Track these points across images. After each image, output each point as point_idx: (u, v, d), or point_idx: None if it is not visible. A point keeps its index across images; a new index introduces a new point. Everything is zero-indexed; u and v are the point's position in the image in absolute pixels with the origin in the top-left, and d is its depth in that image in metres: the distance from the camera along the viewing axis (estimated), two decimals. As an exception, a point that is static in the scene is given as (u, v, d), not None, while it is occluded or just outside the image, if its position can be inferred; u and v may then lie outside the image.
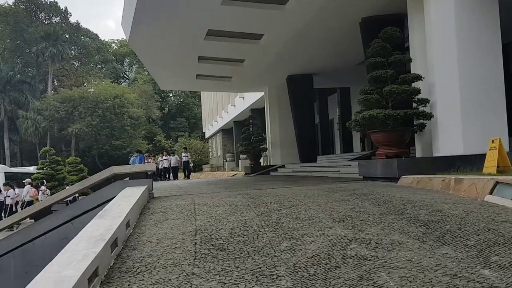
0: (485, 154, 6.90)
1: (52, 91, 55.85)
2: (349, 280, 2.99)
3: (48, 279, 2.84)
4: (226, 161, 38.05)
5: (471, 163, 7.58)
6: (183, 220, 4.99)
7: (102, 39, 69.83)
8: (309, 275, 3.12)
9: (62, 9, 59.83)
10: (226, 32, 13.77)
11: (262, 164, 21.65)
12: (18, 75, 55.89)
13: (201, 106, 55.91)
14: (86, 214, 6.72)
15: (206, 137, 51.39)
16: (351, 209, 5.15)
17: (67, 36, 58.53)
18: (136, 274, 3.30)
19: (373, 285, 2.90)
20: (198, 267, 3.37)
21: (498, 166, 6.53)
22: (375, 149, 12.40)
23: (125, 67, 74.43)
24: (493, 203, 5.15)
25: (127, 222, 4.50)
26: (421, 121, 8.72)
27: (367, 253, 3.50)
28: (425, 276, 3.01)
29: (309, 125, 18.97)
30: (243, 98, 29.54)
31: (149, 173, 7.45)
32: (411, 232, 4.08)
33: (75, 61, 63.14)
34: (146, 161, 20.86)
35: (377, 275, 3.05)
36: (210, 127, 46.39)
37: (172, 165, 22.40)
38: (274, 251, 3.70)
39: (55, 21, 59.77)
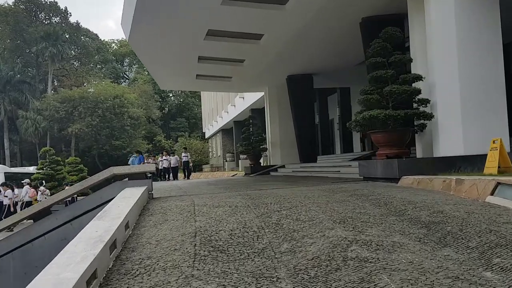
0: (486, 155, 6.88)
1: (52, 91, 55.82)
2: (350, 283, 2.97)
3: (47, 281, 2.82)
4: (226, 161, 38.03)
5: (472, 163, 7.56)
6: (182, 221, 4.96)
7: (102, 39, 69.90)
8: (310, 277, 3.10)
9: (62, 9, 59.81)
10: (226, 32, 13.75)
11: (262, 164, 21.62)
12: (18, 75, 55.85)
13: (201, 106, 55.89)
14: (86, 214, 6.70)
15: (206, 137, 51.38)
16: (351, 210, 5.13)
17: (67, 36, 58.49)
18: (135, 276, 3.27)
19: (374, 288, 2.87)
20: (197, 269, 3.34)
21: (499, 167, 6.51)
22: (375, 149, 12.38)
23: (125, 67, 74.40)
24: (495, 204, 5.12)
25: (126, 223, 4.47)
26: (422, 121, 8.70)
27: (368, 255, 3.47)
28: (426, 278, 2.99)
29: (309, 125, 18.94)
30: (243, 98, 29.51)
31: (149, 174, 7.43)
32: (412, 233, 4.06)
33: (75, 61, 63.10)
34: (146, 161, 20.84)
35: (378, 278, 3.02)
36: (210, 127, 46.37)
37: (172, 165, 22.37)
38: (274, 252, 3.68)
39: (55, 21, 59.73)
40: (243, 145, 21.07)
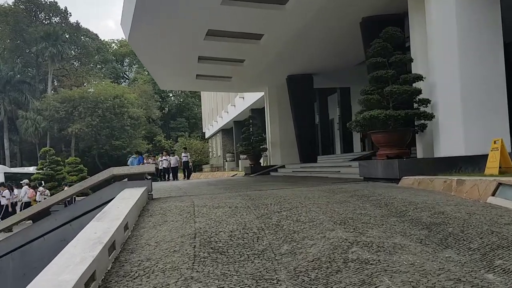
0: (487, 155, 6.86)
1: (52, 91, 55.78)
2: (351, 285, 2.94)
3: (45, 283, 2.80)
4: (226, 161, 38.01)
5: (473, 164, 7.53)
6: (182, 222, 4.93)
7: (102, 39, 69.85)
8: (310, 280, 3.07)
9: (62, 9, 59.77)
10: (226, 32, 13.72)
11: (262, 165, 21.59)
12: (18, 75, 55.82)
13: (201, 106, 55.87)
14: (85, 215, 6.66)
15: (206, 137, 51.36)
16: (352, 211, 5.10)
17: (67, 36, 58.46)
18: (134, 279, 3.25)
19: (375, 290, 2.85)
20: (197, 271, 3.31)
21: (500, 167, 6.48)
22: (375, 149, 12.35)
23: (125, 67, 74.38)
24: (496, 205, 5.10)
25: (125, 225, 4.44)
26: (422, 121, 8.67)
27: (369, 256, 3.45)
28: (428, 280, 2.96)
29: (309, 125, 18.91)
30: (243, 98, 29.49)
31: (149, 174, 7.40)
32: (413, 235, 4.03)
33: (75, 61, 63.06)
34: (146, 161, 20.80)
35: (379, 280, 3.00)
36: (210, 127, 46.35)
37: (172, 166, 22.34)
38: (275, 254, 3.65)
39: (55, 21, 59.70)
40: (243, 145, 21.04)
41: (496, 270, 3.14)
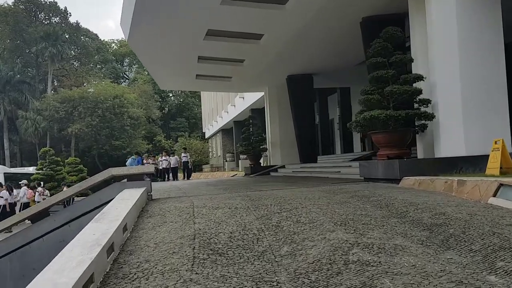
0: (488, 155, 6.83)
1: (52, 91, 55.75)
2: (352, 287, 2.91)
3: (42, 286, 2.77)
4: (226, 161, 37.98)
5: (474, 164, 7.51)
6: (181, 223, 4.90)
7: (102, 39, 69.83)
8: (310, 282, 3.04)
9: (61, 9, 59.74)
10: (226, 32, 13.69)
11: (262, 165, 21.56)
12: (18, 75, 55.79)
13: (201, 106, 55.85)
14: (84, 216, 6.63)
15: (206, 137, 51.33)
16: (352, 212, 5.07)
17: (67, 36, 58.41)
18: (133, 281, 3.22)
19: (376, 293, 2.82)
20: (196, 273, 3.28)
21: (501, 168, 6.46)
22: (375, 149, 12.33)
23: (125, 67, 74.34)
24: (497, 206, 5.07)
25: (124, 226, 4.41)
26: (423, 121, 8.64)
27: (369, 258, 3.42)
28: (429, 282, 2.93)
29: (309, 125, 18.88)
30: (243, 98, 29.46)
31: (148, 175, 7.36)
32: (414, 236, 4.00)
33: (75, 61, 63.03)
34: (146, 162, 20.76)
35: (380, 282, 2.97)
36: (210, 127, 46.32)
37: (171, 166, 22.30)
38: (274, 256, 3.62)
39: (55, 21, 59.66)
40: (243, 145, 21.01)
41: (498, 272, 3.10)
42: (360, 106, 9.30)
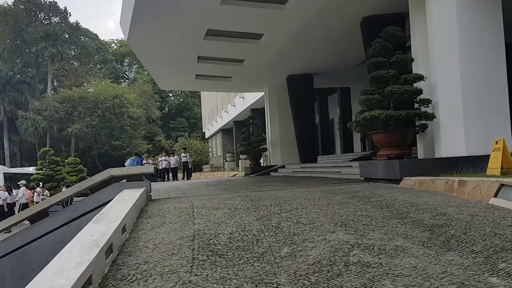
0: (488, 155, 6.81)
1: (52, 91, 55.70)
2: (352, 289, 2.88)
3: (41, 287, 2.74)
4: (226, 161, 37.95)
5: (474, 164, 7.48)
6: (181, 224, 4.88)
7: (102, 39, 69.78)
8: (311, 283, 3.01)
9: (61, 9, 59.69)
10: (225, 32, 13.66)
11: (262, 165, 21.54)
12: (18, 75, 55.75)
13: (201, 106, 55.82)
14: (83, 216, 6.61)
15: (206, 137, 51.30)
16: (353, 213, 5.04)
17: (67, 36, 58.36)
18: (131, 282, 3.19)
19: (377, 295, 2.79)
20: (195, 275, 3.25)
21: (502, 168, 6.43)
22: (375, 149, 12.30)
23: (124, 67, 74.30)
24: (498, 206, 5.04)
25: (123, 227, 4.38)
26: (423, 121, 8.61)
27: (370, 259, 3.39)
28: (430, 284, 2.91)
29: (309, 125, 18.86)
30: (243, 98, 29.43)
31: (147, 175, 7.33)
32: (415, 237, 3.97)
33: (75, 61, 62.98)
34: (146, 162, 20.69)
35: (381, 283, 2.94)
36: (210, 127, 46.30)
37: (171, 166, 22.27)
38: (274, 257, 3.59)
39: (55, 21, 59.60)
40: (243, 145, 20.98)
41: (500, 274, 3.08)
42: (360, 106, 9.27)
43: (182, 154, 23.89)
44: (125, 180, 7.07)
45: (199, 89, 35.97)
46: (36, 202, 17.96)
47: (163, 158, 22.68)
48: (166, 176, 22.24)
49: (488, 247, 3.61)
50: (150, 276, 3.28)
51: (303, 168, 17.07)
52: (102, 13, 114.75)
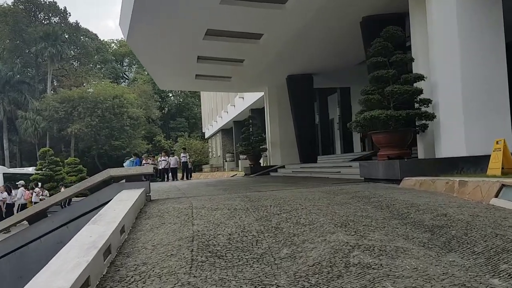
0: (489, 155, 6.78)
1: (52, 91, 55.69)
2: (353, 291, 2.86)
3: (37, 290, 2.72)
4: (226, 161, 37.92)
5: (475, 164, 7.46)
6: (180, 225, 4.85)
7: (102, 39, 69.77)
8: (311, 285, 2.98)
9: (61, 9, 59.68)
10: (225, 31, 13.64)
11: (262, 165, 21.52)
12: (17, 75, 55.75)
13: (200, 106, 55.79)
14: (82, 217, 6.58)
15: (206, 137, 51.27)
16: (353, 213, 5.01)
17: (66, 36, 58.35)
18: (130, 284, 3.16)
19: (377, 297, 2.76)
20: (194, 276, 3.22)
21: (502, 168, 6.40)
22: (375, 149, 12.27)
23: (124, 67, 74.28)
24: (499, 207, 5.01)
25: (122, 228, 4.35)
26: (424, 121, 8.59)
27: (370, 261, 3.36)
28: (432, 286, 2.88)
29: (309, 125, 18.83)
30: (243, 98, 29.41)
31: (146, 175, 7.31)
32: (416, 238, 3.94)
33: (75, 61, 62.97)
34: (145, 162, 20.65)
35: (382, 285, 2.91)
36: (209, 127, 46.27)
37: (171, 166, 22.24)
38: (274, 258, 3.56)
39: (54, 21, 59.58)
40: (243, 145, 20.96)
41: (501, 275, 3.05)
42: (360, 106, 9.24)
43: (182, 154, 23.86)
44: (124, 181, 7.04)
45: (199, 89, 35.94)
46: (35, 203, 17.94)
47: (162, 158, 22.65)
48: (166, 176, 22.21)
49: (489, 248, 3.58)
50: (148, 278, 3.25)
51: (303, 168, 17.05)
52: (102, 13, 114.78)
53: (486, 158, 6.90)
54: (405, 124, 8.58)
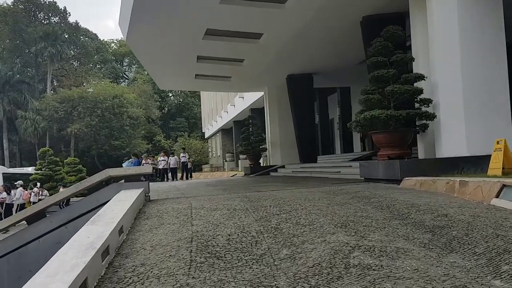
0: (490, 156, 6.75)
1: (51, 91, 55.67)
2: (353, 292, 2.83)
3: (34, 291, 2.69)
4: (225, 161, 37.89)
5: (475, 164, 7.43)
6: (179, 225, 4.81)
7: (102, 39, 69.77)
8: (310, 286, 2.95)
9: (61, 9, 59.69)
10: (225, 31, 13.60)
11: (262, 165, 21.49)
12: (17, 75, 55.73)
13: (200, 106, 55.76)
14: (81, 217, 6.55)
15: (205, 137, 51.24)
16: (353, 214, 4.98)
17: (66, 36, 58.36)
18: (128, 285, 3.13)
19: (378, 298, 2.73)
20: (193, 277, 3.19)
21: (503, 168, 6.37)
22: (375, 149, 12.25)
23: (124, 67, 74.25)
24: (500, 207, 4.98)
25: (120, 228, 4.32)
26: (424, 121, 8.56)
27: (371, 262, 3.33)
28: (433, 287, 2.85)
29: (309, 125, 18.80)
30: (243, 98, 29.38)
31: (146, 175, 7.28)
32: (417, 238, 3.91)
33: (74, 61, 62.97)
34: (145, 162, 20.59)
35: (382, 287, 2.88)
36: (209, 127, 46.24)
37: (171, 166, 22.22)
38: (273, 259, 3.53)
39: (54, 21, 59.59)
40: (243, 145, 20.93)
41: (503, 276, 3.02)
42: (360, 105, 9.21)
43: (181, 155, 23.83)
44: (123, 181, 7.01)
45: (199, 89, 35.91)
46: (33, 203, 17.91)
47: (161, 158, 22.61)
48: (166, 176, 22.18)
49: (490, 249, 3.55)
50: (147, 279, 3.22)
51: (303, 168, 17.02)
52: (102, 13, 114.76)
53: (487, 158, 6.87)
54: (405, 124, 8.55)
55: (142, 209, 6.02)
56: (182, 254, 3.73)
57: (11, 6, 55.72)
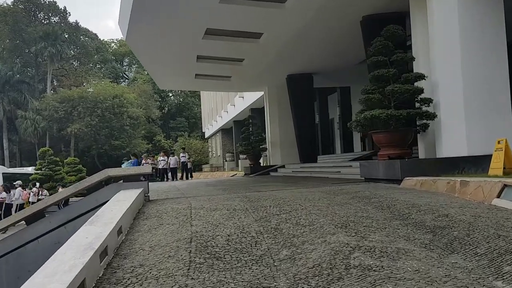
0: (490, 155, 6.73)
1: (51, 91, 55.64)
2: (353, 294, 2.80)
3: (31, 292, 2.66)
4: (225, 161, 37.86)
5: (476, 164, 7.40)
6: (178, 226, 4.79)
7: (102, 39, 69.71)
8: (310, 287, 2.93)
9: (61, 9, 59.64)
10: (225, 31, 13.58)
11: (262, 164, 21.46)
12: (17, 75, 55.70)
13: (200, 105, 55.73)
14: (80, 218, 6.52)
15: (205, 137, 51.22)
16: (353, 214, 4.95)
17: (66, 36, 58.31)
18: (126, 286, 3.10)
19: (379, 300, 2.70)
20: (192, 278, 3.17)
21: (504, 168, 6.34)
22: (376, 149, 12.22)
23: (124, 67, 74.20)
24: (501, 207, 4.95)
25: (119, 229, 4.29)
26: (424, 121, 8.53)
27: (371, 262, 3.30)
28: (434, 288, 2.82)
29: (309, 124, 18.77)
30: (243, 97, 29.34)
31: (146, 176, 7.25)
32: (417, 239, 3.89)
33: (74, 61, 62.93)
34: (145, 162, 20.52)
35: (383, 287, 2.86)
36: (209, 127, 46.21)
37: (171, 166, 22.19)
38: (273, 260, 3.51)
39: (54, 21, 59.54)
40: (243, 145, 20.90)
41: (505, 277, 2.99)
42: (360, 105, 9.19)
43: (181, 154, 23.81)
44: (122, 181, 6.98)
45: (199, 88, 35.88)
46: (32, 203, 17.89)
47: (161, 158, 22.58)
48: (165, 176, 22.14)
49: (492, 250, 3.52)
50: (145, 280, 3.19)
51: (303, 168, 16.99)
52: (102, 13, 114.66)
53: (488, 158, 6.84)
54: (405, 123, 8.52)
55: (141, 209, 5.99)
56: (181, 255, 3.70)
57: (11, 6, 55.67)
